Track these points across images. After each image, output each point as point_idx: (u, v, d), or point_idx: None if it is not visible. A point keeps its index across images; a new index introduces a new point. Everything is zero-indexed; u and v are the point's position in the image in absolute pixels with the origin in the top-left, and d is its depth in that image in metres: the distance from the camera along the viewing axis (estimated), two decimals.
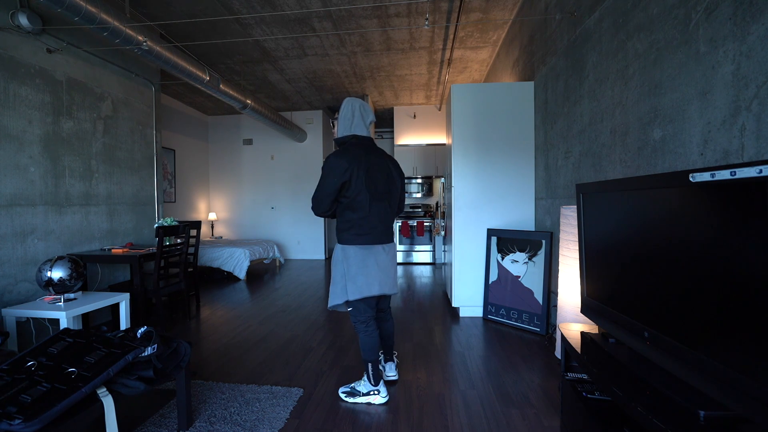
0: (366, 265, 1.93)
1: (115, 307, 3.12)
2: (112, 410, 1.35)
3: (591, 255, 1.48)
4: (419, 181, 7.03)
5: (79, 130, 3.22)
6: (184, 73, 3.75)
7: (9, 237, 2.63)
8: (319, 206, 1.92)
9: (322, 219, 7.30)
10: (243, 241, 6.20)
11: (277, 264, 6.44)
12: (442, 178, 6.10)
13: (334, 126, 2.06)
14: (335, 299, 1.96)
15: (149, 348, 1.54)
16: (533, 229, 3.30)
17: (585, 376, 1.45)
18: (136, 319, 3.11)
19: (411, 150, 6.95)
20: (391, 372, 2.19)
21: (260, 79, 5.54)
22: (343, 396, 2.00)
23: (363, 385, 1.99)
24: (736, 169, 0.81)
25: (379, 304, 2.14)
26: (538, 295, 2.98)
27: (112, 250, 3.20)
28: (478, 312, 3.41)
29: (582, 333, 1.47)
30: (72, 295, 2.55)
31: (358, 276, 1.91)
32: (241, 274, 5.23)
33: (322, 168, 1.88)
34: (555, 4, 2.74)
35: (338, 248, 1.98)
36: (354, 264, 1.92)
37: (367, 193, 1.89)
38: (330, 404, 1.95)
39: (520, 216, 3.32)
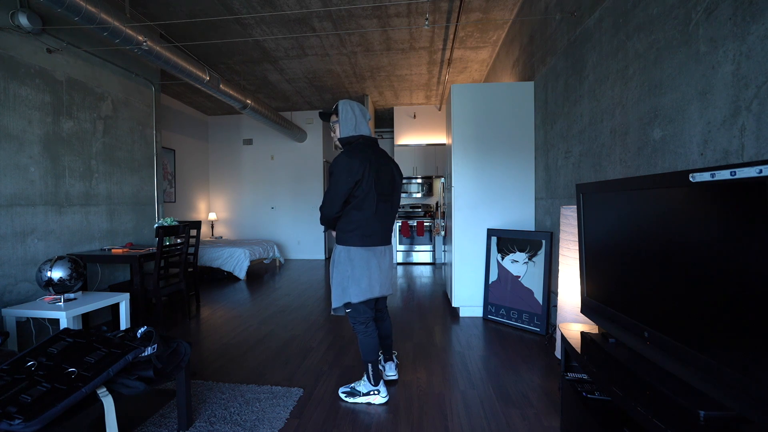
0: (369, 267, 1.92)
1: (115, 307, 3.12)
2: (112, 410, 1.35)
3: (591, 255, 1.48)
4: (419, 181, 7.03)
5: (79, 130, 3.22)
6: (184, 73, 3.75)
7: (9, 237, 2.63)
8: (332, 209, 1.88)
9: None
10: (243, 241, 6.20)
11: (277, 264, 6.44)
12: (442, 178, 6.09)
13: (334, 130, 2.02)
14: (337, 302, 1.95)
15: (149, 348, 1.54)
16: (533, 229, 3.30)
17: (585, 376, 1.45)
18: (136, 319, 3.11)
19: (411, 150, 6.95)
20: (390, 372, 2.19)
21: (260, 79, 5.54)
22: (343, 396, 2.00)
23: (363, 385, 1.99)
24: (736, 169, 0.81)
25: (377, 304, 2.14)
26: (538, 295, 2.98)
27: (112, 250, 3.20)
28: (478, 312, 3.40)
29: (582, 333, 1.47)
30: (72, 295, 2.55)
31: (362, 278, 1.90)
32: (241, 274, 5.23)
33: (332, 169, 1.85)
34: (555, 4, 2.74)
35: (341, 250, 1.94)
36: (359, 266, 1.91)
37: (375, 194, 1.89)
38: (330, 404, 1.95)
39: (520, 216, 3.32)
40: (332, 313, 2.01)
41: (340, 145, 2.00)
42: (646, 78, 1.72)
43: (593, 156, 2.23)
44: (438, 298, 4.17)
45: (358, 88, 5.97)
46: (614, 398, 1.07)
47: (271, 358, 2.55)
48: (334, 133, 2.02)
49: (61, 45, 3.01)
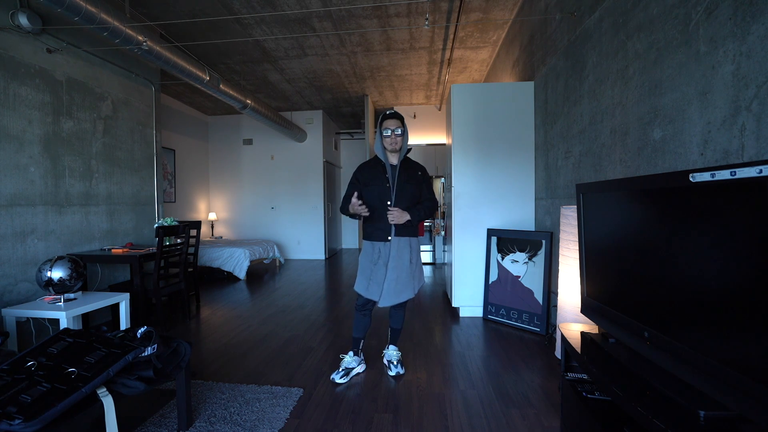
0: None
1: (115, 307, 3.11)
2: (112, 410, 1.35)
3: (591, 255, 1.48)
4: None
5: (79, 130, 3.22)
6: (184, 73, 3.75)
7: (9, 237, 2.63)
8: None
9: (323, 219, 7.29)
10: (243, 241, 6.20)
11: (277, 264, 6.44)
12: (442, 178, 6.09)
13: (400, 134, 2.20)
14: (422, 280, 2.30)
15: (149, 348, 1.54)
16: (533, 229, 3.30)
17: (585, 376, 1.45)
18: (136, 319, 3.11)
19: (411, 150, 6.94)
20: (356, 364, 2.31)
21: (260, 79, 5.54)
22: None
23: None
24: (736, 169, 0.81)
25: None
26: (538, 295, 2.98)
27: (112, 250, 3.20)
28: (478, 312, 3.40)
29: (582, 333, 1.47)
30: (72, 295, 2.55)
31: None
32: (241, 274, 5.23)
33: (426, 175, 2.34)
34: (555, 4, 2.74)
35: (417, 240, 2.28)
36: None
37: None
38: (330, 404, 1.95)
39: (520, 216, 3.32)
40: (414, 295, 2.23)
41: (396, 148, 2.20)
42: (646, 78, 1.72)
43: (593, 156, 2.23)
44: (438, 298, 4.17)
45: (358, 88, 5.97)
46: (614, 398, 1.07)
47: (271, 358, 2.55)
48: (400, 135, 2.19)
49: (61, 45, 3.01)
